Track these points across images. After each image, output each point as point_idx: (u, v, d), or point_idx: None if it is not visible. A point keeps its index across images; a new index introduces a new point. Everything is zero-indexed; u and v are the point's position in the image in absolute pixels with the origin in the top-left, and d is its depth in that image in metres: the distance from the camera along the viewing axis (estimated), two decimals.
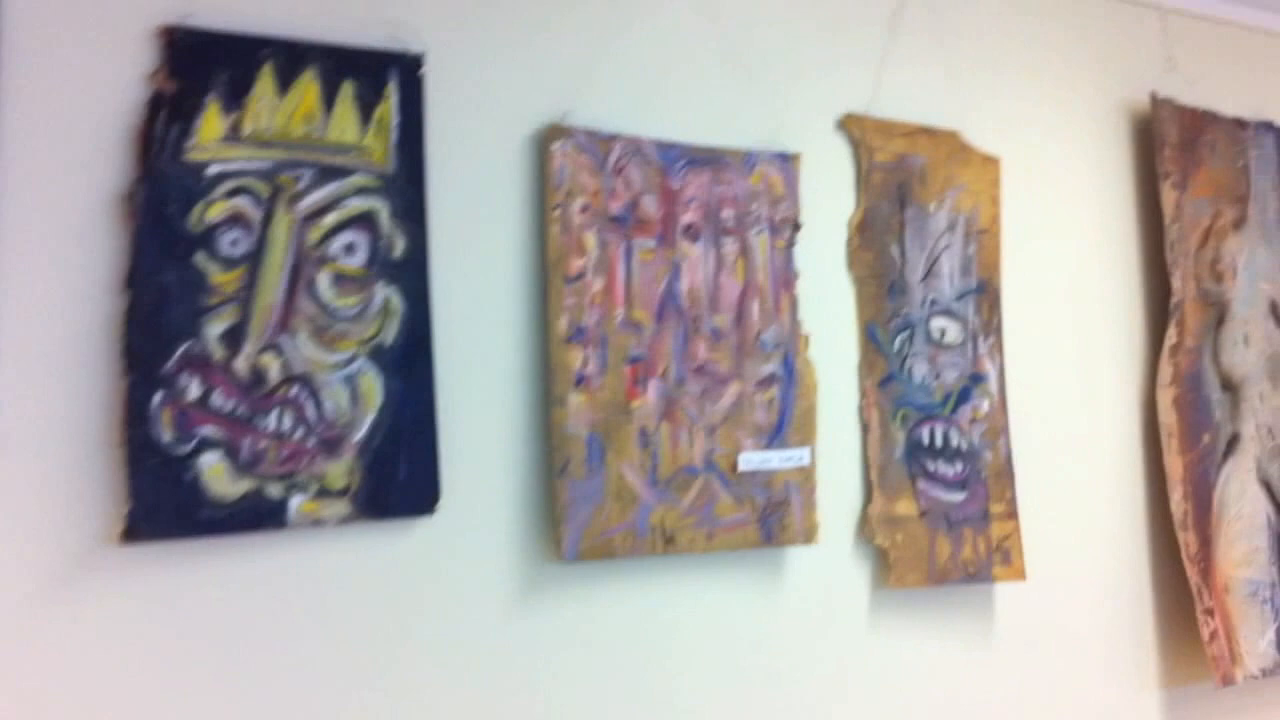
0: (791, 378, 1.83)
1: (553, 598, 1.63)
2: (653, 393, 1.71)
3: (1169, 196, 2.27)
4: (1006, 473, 2.03)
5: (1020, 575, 2.01)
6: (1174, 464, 2.21)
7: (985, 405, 2.02)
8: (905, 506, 1.93)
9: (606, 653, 1.66)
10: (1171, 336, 2.24)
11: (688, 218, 1.77)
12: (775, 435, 1.80)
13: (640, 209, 1.73)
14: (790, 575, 1.82)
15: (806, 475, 1.82)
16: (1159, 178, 2.27)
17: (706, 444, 1.74)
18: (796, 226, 1.85)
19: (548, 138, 1.66)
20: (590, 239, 1.68)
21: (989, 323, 2.05)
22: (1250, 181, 2.41)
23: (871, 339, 1.94)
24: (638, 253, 1.72)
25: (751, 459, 1.77)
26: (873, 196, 1.96)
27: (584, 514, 1.63)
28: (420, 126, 1.56)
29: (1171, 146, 2.28)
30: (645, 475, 1.69)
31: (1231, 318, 2.35)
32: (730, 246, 1.80)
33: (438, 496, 1.54)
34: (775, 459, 1.79)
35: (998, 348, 2.05)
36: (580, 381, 1.65)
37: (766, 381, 1.80)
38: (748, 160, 1.82)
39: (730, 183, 1.81)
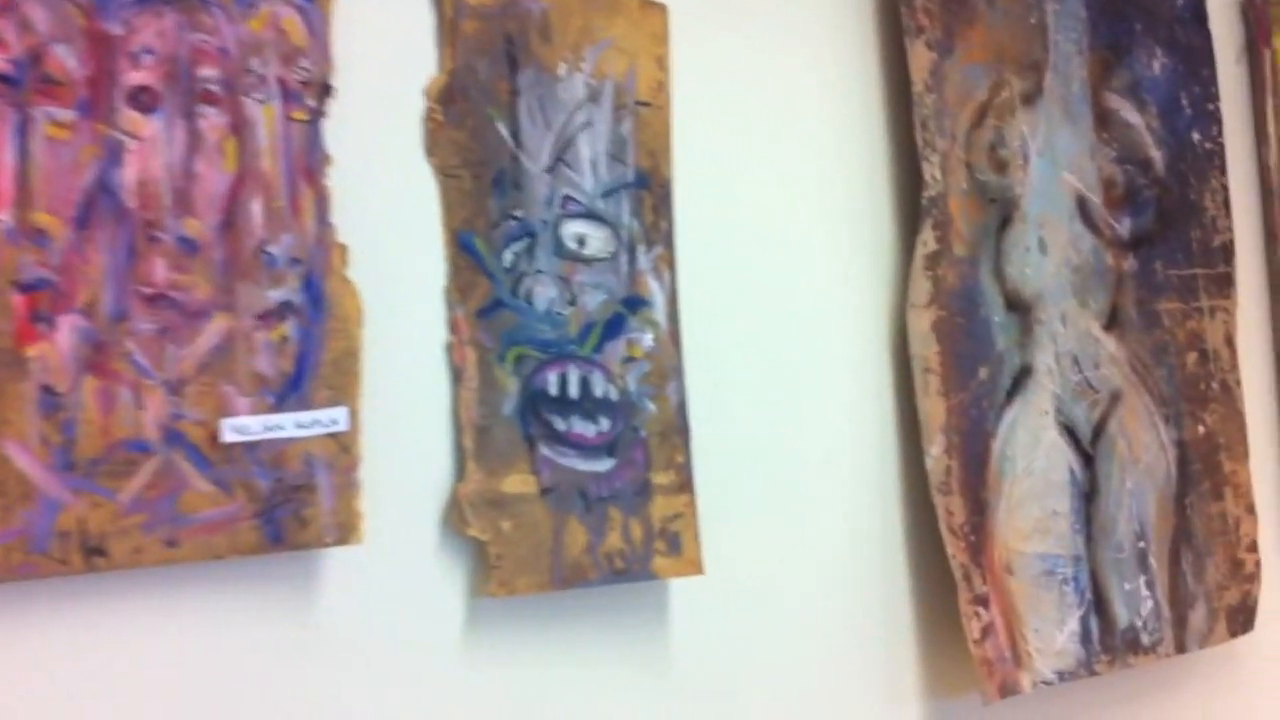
0: (318, 307, 1.28)
1: None
2: (67, 334, 1.16)
3: (921, 59, 1.72)
4: (678, 430, 1.49)
5: (695, 568, 1.47)
6: (933, 408, 1.68)
7: (647, 339, 1.48)
8: (518, 482, 1.38)
9: None
10: (928, 243, 1.70)
11: (138, 78, 1.21)
12: (291, 390, 1.25)
13: (47, 64, 1.17)
14: (326, 592, 1.28)
15: (344, 446, 1.27)
16: (906, 34, 1.72)
17: (168, 407, 1.19)
18: (326, 90, 1.30)
19: None
20: None
21: (654, 227, 1.50)
22: (1048, 43, 1.88)
23: (467, 251, 1.39)
24: (43, 127, 1.16)
25: (247, 425, 1.22)
26: (465, 54, 1.40)
27: None
28: None
29: None
30: (51, 457, 1.14)
31: (1021, 218, 1.82)
32: (214, 119, 1.24)
33: None
34: (288, 424, 1.24)
35: (667, 261, 1.51)
36: None
37: (275, 313, 1.25)
38: None
39: (215, 29, 1.25)
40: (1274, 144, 2.17)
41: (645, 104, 1.51)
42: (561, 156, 1.45)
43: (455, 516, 1.34)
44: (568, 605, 1.40)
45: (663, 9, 1.52)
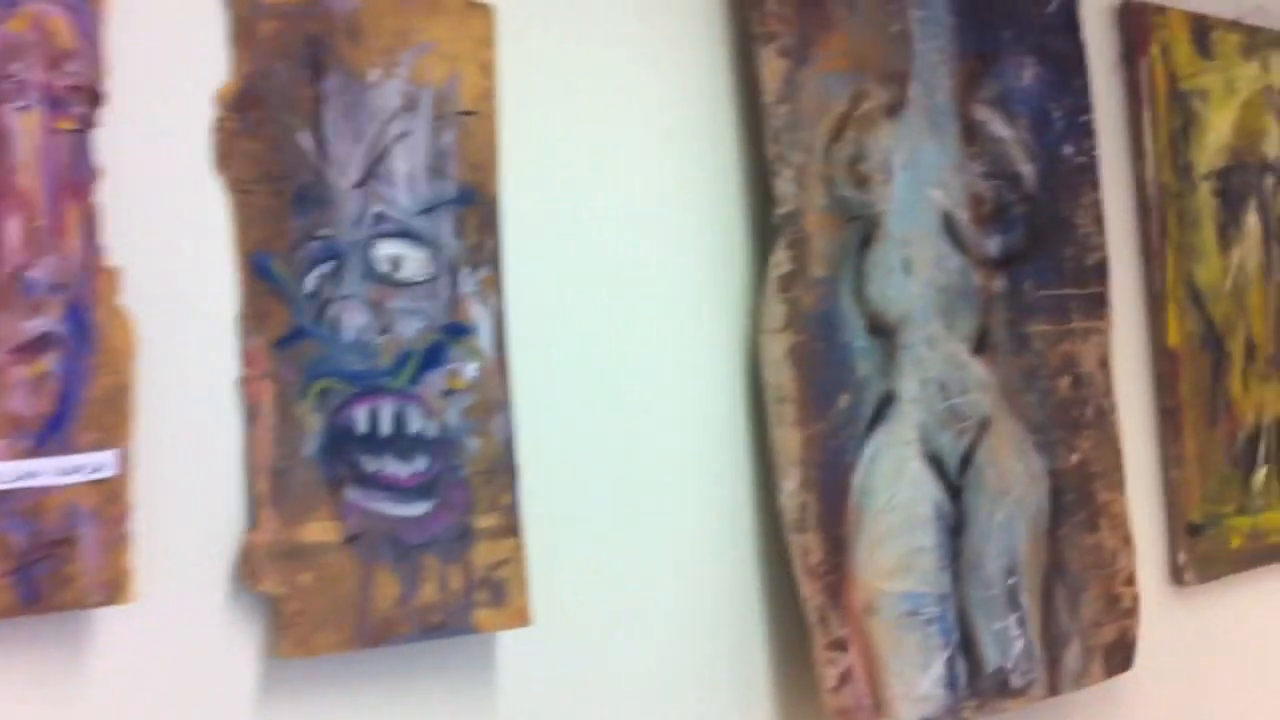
0: (84, 339, 1.14)
1: None
2: None
3: (773, 68, 1.62)
4: (504, 468, 1.37)
5: (521, 619, 1.35)
6: (788, 439, 1.58)
7: (471, 370, 1.36)
8: (319, 530, 1.25)
9: None
10: (782, 263, 1.60)
11: None
12: (51, 433, 1.12)
13: None
14: (95, 657, 1.14)
15: (111, 495, 1.13)
16: (755, 41, 1.61)
17: None
18: (98, 97, 1.16)
19: None
20: None
21: (479, 247, 1.38)
22: (912, 53, 1.78)
23: (262, 275, 1.26)
24: None
25: None
26: (262, 57, 1.28)
27: None
28: None
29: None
30: None
31: (883, 236, 1.72)
32: None
33: None
34: (47, 471, 1.10)
35: (494, 284, 1.39)
36: None
37: (33, 346, 1.12)
38: None
39: None
40: (1151, 157, 2.10)
41: (469, 113, 1.39)
42: (373, 171, 1.32)
43: (245, 570, 1.21)
44: (377, 665, 1.27)
45: (489, 10, 1.41)
